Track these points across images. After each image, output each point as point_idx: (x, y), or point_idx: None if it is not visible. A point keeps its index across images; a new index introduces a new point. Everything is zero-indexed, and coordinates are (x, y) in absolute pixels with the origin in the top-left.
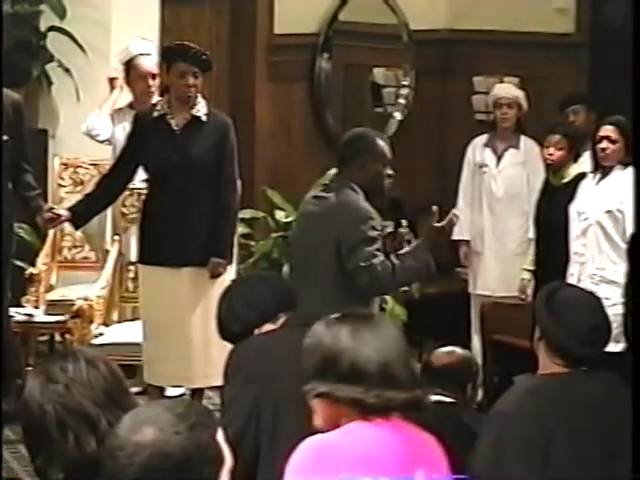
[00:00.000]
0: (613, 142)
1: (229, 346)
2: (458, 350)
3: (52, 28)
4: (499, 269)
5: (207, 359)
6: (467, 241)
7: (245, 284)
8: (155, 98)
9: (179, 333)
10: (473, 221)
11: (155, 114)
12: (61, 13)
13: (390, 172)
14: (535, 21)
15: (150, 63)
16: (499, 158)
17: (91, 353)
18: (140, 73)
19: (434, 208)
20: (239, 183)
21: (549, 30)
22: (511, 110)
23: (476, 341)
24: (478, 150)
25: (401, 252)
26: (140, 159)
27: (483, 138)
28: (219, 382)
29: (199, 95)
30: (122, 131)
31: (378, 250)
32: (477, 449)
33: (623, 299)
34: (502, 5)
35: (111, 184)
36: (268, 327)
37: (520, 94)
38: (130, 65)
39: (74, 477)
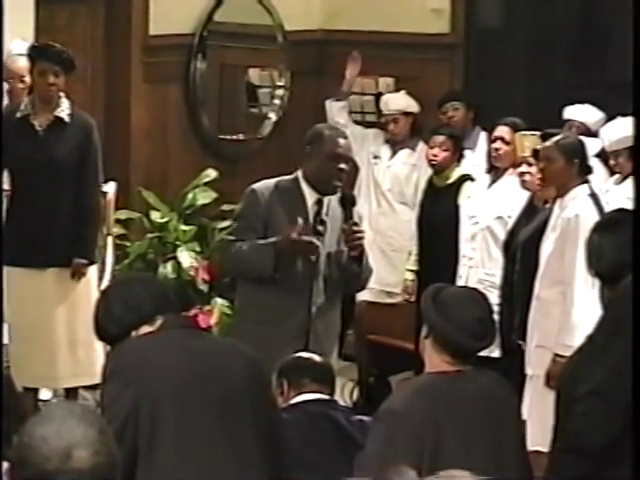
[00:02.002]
0: (507, 143)
1: (95, 346)
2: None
3: None
4: (375, 263)
5: (73, 359)
6: None
7: (123, 286)
8: (24, 96)
9: (44, 334)
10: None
11: (19, 114)
12: None
13: (342, 167)
14: (410, 21)
15: (18, 65)
16: (393, 154)
17: None
18: (9, 73)
19: (299, 221)
20: (113, 184)
21: (424, 30)
22: (397, 124)
23: (354, 341)
24: (374, 141)
25: (259, 242)
26: (3, 160)
27: (381, 133)
28: (87, 382)
29: (62, 96)
30: None
31: (249, 229)
32: (367, 447)
33: (499, 300)
34: (377, 6)
35: None
36: (146, 329)
37: (404, 104)
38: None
39: None
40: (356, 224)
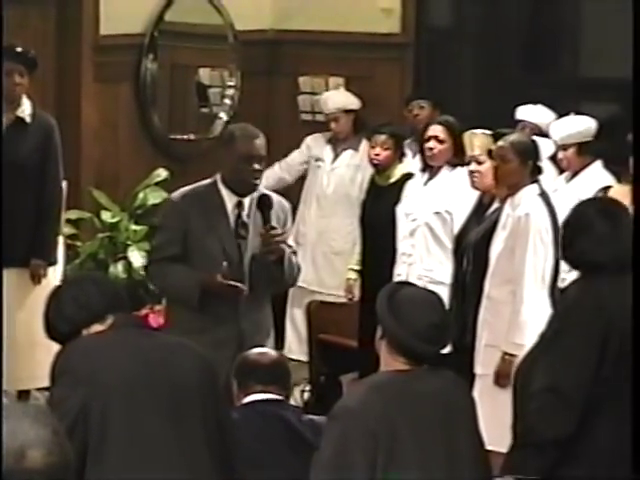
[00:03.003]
0: (441, 142)
1: (55, 347)
2: (269, 350)
3: None
4: (316, 264)
5: (32, 361)
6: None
7: (74, 284)
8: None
9: (4, 335)
10: (300, 212)
11: None
12: None
13: (256, 167)
14: (360, 21)
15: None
16: (336, 156)
17: None
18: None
19: (224, 264)
20: (65, 184)
21: (374, 30)
22: (338, 123)
23: (290, 335)
24: (319, 144)
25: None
26: None
27: (327, 134)
28: (45, 384)
29: (24, 96)
30: None
31: (168, 243)
32: (322, 446)
33: (449, 300)
34: (328, 5)
35: None
36: (96, 328)
37: (343, 102)
38: None
39: None
40: (273, 227)
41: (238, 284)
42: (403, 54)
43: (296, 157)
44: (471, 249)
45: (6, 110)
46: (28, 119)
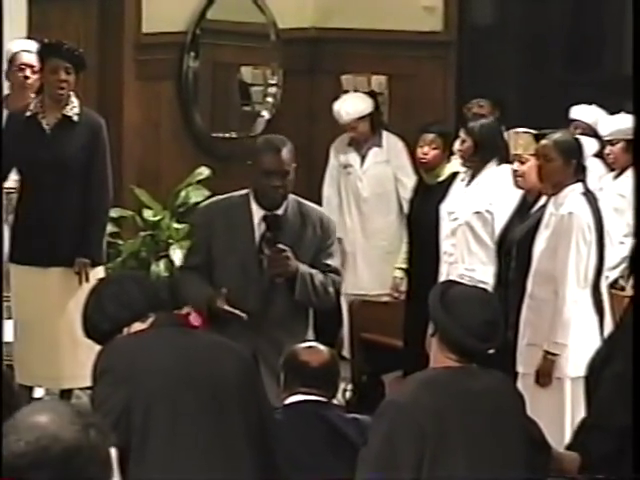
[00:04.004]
0: (462, 142)
1: (97, 347)
2: (321, 347)
3: None
4: (371, 268)
5: (75, 360)
6: (339, 240)
7: (115, 283)
8: (32, 95)
9: (47, 333)
10: (342, 222)
11: (27, 113)
12: None
13: (276, 184)
14: (403, 19)
15: (29, 57)
16: (363, 158)
17: None
18: (18, 65)
19: (223, 290)
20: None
21: (417, 28)
22: (356, 129)
23: (346, 340)
24: (342, 150)
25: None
26: (12, 158)
27: (345, 137)
28: (87, 383)
29: (72, 94)
30: None
31: (193, 253)
32: (369, 441)
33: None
34: (370, 3)
35: None
36: (137, 326)
37: (358, 111)
38: (10, 60)
39: None
40: (281, 250)
41: (236, 311)
42: (446, 52)
43: (333, 170)
44: (514, 248)
45: (53, 109)
46: (75, 118)
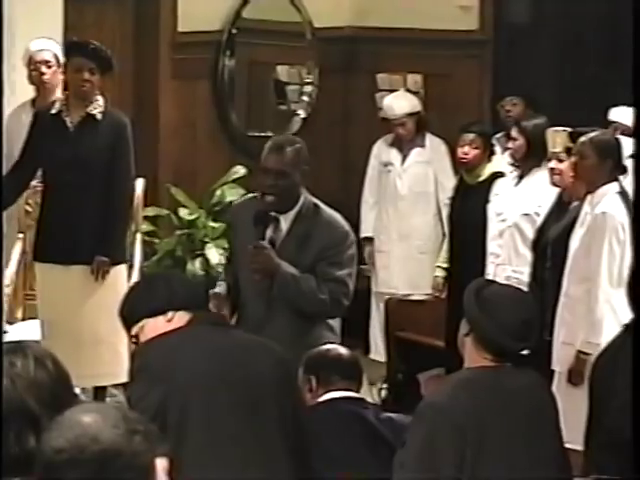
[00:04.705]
0: (513, 140)
1: (119, 347)
2: (341, 347)
3: None
4: (404, 267)
5: (97, 359)
6: (371, 239)
7: (156, 275)
8: (58, 92)
9: (70, 332)
10: (378, 219)
11: (53, 111)
12: None
13: (269, 182)
14: (439, 18)
15: (44, 54)
16: (404, 157)
17: (40, 351)
18: (33, 64)
19: (217, 288)
20: (142, 181)
21: (453, 27)
22: (405, 127)
23: (378, 338)
24: (384, 149)
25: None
26: (37, 156)
27: (389, 138)
28: (110, 382)
29: (97, 93)
30: (19, 126)
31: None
32: (408, 442)
33: None
34: (406, 2)
35: (13, 182)
36: (178, 317)
37: (409, 106)
38: (28, 63)
39: (11, 471)
40: (262, 247)
41: (223, 313)
42: (481, 51)
43: (373, 169)
44: (550, 246)
45: (77, 107)
46: (99, 116)
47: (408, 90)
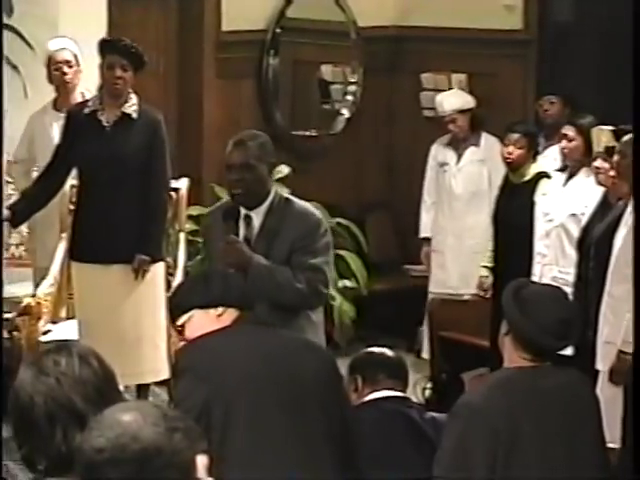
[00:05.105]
0: (570, 141)
1: (160, 344)
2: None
3: None
4: (459, 267)
5: (138, 356)
6: (429, 239)
7: (205, 272)
8: (78, 91)
9: (110, 331)
10: (435, 219)
11: (86, 111)
12: (8, 10)
13: (233, 177)
14: (483, 18)
15: (64, 53)
16: (459, 156)
17: (84, 349)
18: (54, 64)
19: None
20: (186, 180)
21: (497, 27)
22: (455, 123)
23: (426, 338)
24: (440, 149)
25: None
26: (72, 156)
27: (445, 138)
28: (151, 379)
29: (131, 91)
30: (42, 129)
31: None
32: (443, 442)
33: (572, 295)
34: (450, 2)
35: (47, 183)
36: (227, 314)
37: (460, 103)
38: (48, 63)
39: (58, 469)
40: (234, 241)
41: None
42: (526, 51)
43: (431, 169)
44: (593, 246)
45: (111, 106)
46: (134, 115)
47: (452, 89)
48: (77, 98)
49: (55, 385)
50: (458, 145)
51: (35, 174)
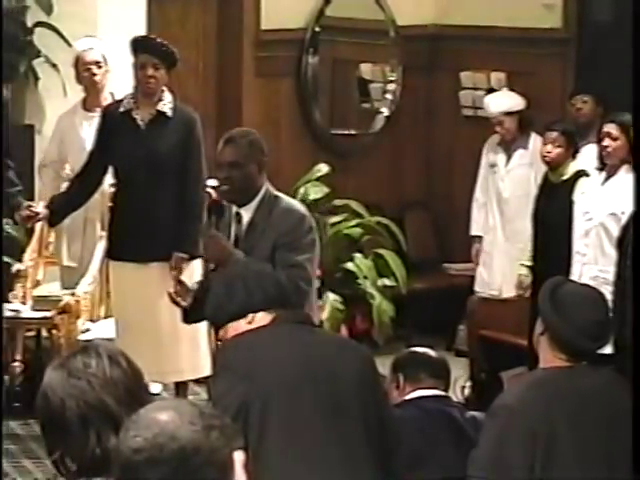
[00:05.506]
0: (614, 139)
1: (199, 341)
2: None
3: (39, 24)
4: (506, 269)
5: (177, 354)
6: (480, 238)
7: (240, 274)
8: (106, 91)
9: (149, 328)
10: (486, 219)
11: (121, 109)
12: (47, 9)
13: (221, 175)
14: (522, 16)
15: (93, 54)
16: (509, 158)
17: (112, 349)
18: (83, 65)
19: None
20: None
21: (536, 25)
22: (502, 125)
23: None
24: (491, 149)
25: None
26: (108, 155)
27: (497, 137)
28: (190, 376)
29: (165, 90)
30: (72, 129)
31: None
32: (480, 443)
33: (612, 295)
34: (489, 0)
35: (84, 182)
36: (262, 317)
37: (507, 105)
38: (76, 64)
39: (92, 472)
40: (215, 236)
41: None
42: (565, 49)
43: (483, 169)
44: (631, 244)
45: (146, 105)
46: (170, 113)
47: (491, 88)
48: (107, 98)
49: (87, 387)
50: (508, 146)
51: (65, 175)
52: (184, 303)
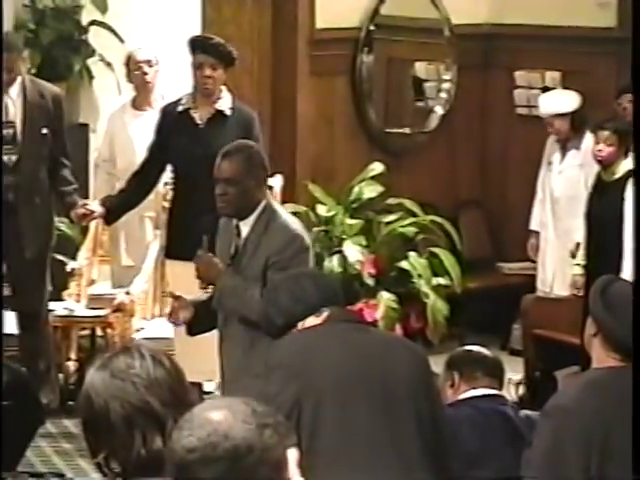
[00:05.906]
0: None
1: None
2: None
3: (93, 22)
4: (557, 268)
5: (215, 353)
6: (537, 233)
7: (290, 278)
8: (157, 92)
9: None
10: (542, 217)
11: (179, 108)
12: (102, 7)
13: (218, 191)
14: (577, 15)
15: (144, 53)
16: (563, 156)
17: (154, 350)
18: (134, 64)
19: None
20: (280, 177)
21: (591, 24)
22: (553, 126)
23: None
24: (551, 147)
25: None
26: (166, 154)
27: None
28: None
29: (224, 89)
30: (122, 127)
31: None
32: (534, 443)
33: None
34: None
35: (141, 180)
36: (312, 321)
37: (557, 107)
38: (127, 63)
39: (138, 473)
40: (205, 255)
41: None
42: (620, 48)
43: (543, 166)
44: None
45: (204, 104)
46: (228, 112)
47: (546, 87)
48: (157, 99)
49: (131, 388)
50: (563, 145)
51: (116, 173)
52: (179, 322)
